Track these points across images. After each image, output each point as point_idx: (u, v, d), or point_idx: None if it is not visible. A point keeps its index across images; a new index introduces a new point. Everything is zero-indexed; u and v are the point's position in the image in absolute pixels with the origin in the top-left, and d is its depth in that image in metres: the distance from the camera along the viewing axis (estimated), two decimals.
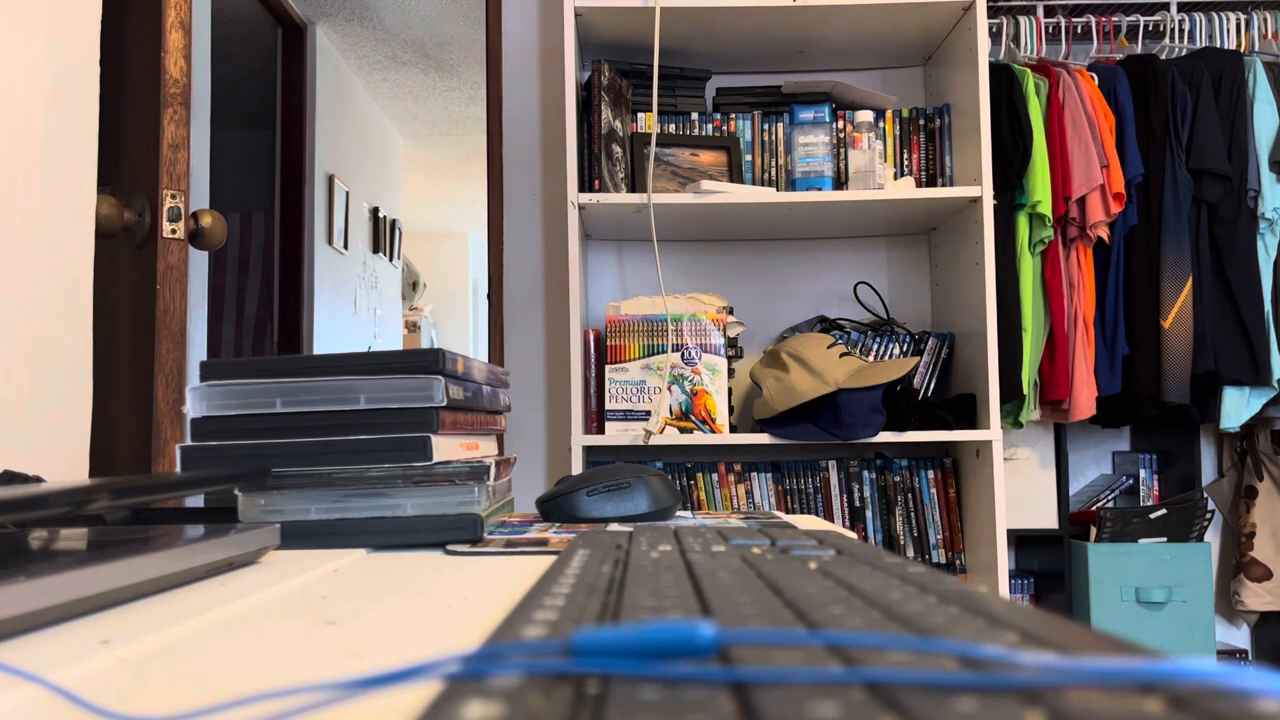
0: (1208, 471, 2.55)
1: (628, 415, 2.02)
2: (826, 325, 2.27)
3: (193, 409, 0.69)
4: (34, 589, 0.37)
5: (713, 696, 0.19)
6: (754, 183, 2.23)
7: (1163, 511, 2.32)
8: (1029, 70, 2.26)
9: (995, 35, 2.46)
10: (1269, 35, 2.47)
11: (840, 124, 2.23)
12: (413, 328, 6.36)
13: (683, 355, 2.03)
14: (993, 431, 1.98)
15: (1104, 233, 2.23)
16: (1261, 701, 0.18)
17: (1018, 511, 2.37)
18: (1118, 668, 0.20)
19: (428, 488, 0.68)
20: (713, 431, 2.01)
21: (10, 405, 1.02)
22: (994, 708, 0.17)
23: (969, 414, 2.07)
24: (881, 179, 2.12)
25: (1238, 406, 2.27)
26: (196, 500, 1.48)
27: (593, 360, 2.12)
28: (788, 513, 1.70)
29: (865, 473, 2.19)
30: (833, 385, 1.95)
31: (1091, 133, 2.21)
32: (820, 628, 0.26)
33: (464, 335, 7.01)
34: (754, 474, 2.19)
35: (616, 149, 2.16)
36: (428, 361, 0.68)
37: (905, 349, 2.21)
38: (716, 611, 0.29)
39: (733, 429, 2.15)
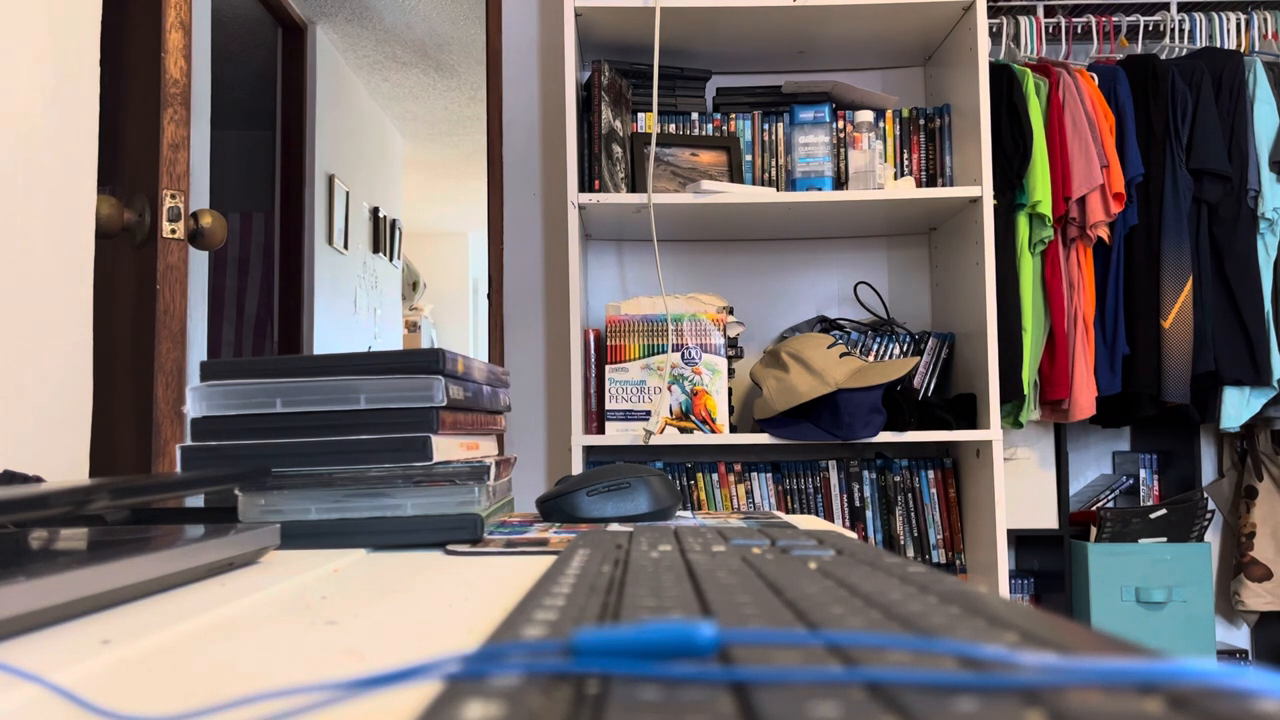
0: (1208, 471, 2.55)
1: (628, 415, 2.02)
2: (826, 325, 2.27)
3: (193, 409, 0.69)
4: (34, 589, 0.37)
5: (713, 696, 0.19)
6: (754, 183, 2.23)
7: (1163, 511, 2.32)
8: (1029, 70, 2.26)
9: (995, 35, 2.46)
10: (1269, 35, 2.47)
11: (840, 124, 2.23)
12: (413, 328, 6.36)
13: (683, 355, 2.03)
14: (993, 431, 1.98)
15: (1104, 233, 2.23)
16: (1261, 701, 0.18)
17: (1018, 511, 2.37)
18: (1118, 668, 0.20)
19: (428, 488, 0.68)
20: (713, 431, 2.01)
21: (10, 405, 1.02)
22: (994, 708, 0.17)
23: (969, 414, 2.07)
24: (881, 179, 2.12)
25: (1238, 406, 2.27)
26: (196, 500, 1.48)
27: (593, 360, 2.12)
28: (788, 513, 1.70)
29: (865, 473, 2.19)
30: (833, 385, 1.95)
31: (1091, 133, 2.21)
32: (820, 628, 0.26)
33: (464, 335, 7.01)
34: (754, 474, 2.19)
35: (616, 149, 2.16)
36: (428, 361, 0.68)
37: (905, 349, 2.21)
38: (716, 611, 0.29)
39: (733, 429, 2.15)
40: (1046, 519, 2.38)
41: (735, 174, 2.20)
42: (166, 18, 1.40)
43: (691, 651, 0.21)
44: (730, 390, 2.08)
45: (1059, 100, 2.23)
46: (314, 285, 3.78)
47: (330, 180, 3.99)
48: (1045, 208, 2.17)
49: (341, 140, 4.16)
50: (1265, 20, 2.46)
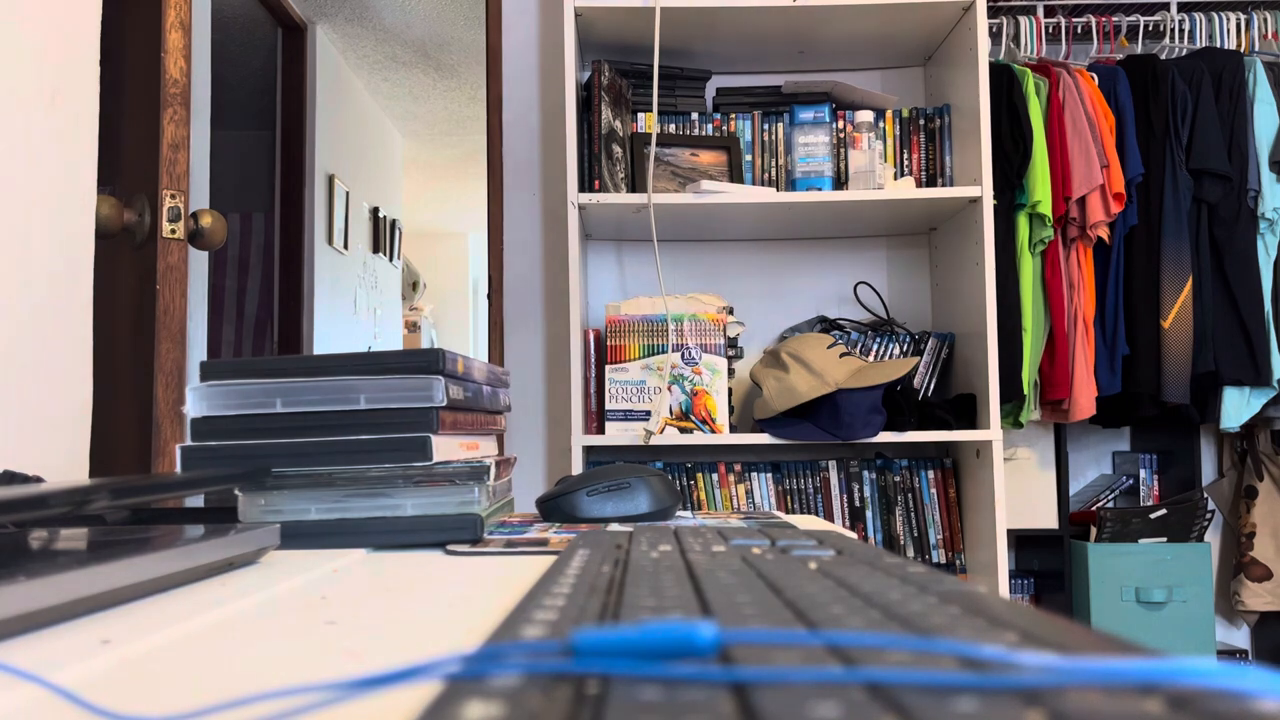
0: (1208, 471, 2.55)
1: (628, 415, 2.02)
2: (826, 325, 2.27)
3: (193, 409, 0.69)
4: (34, 589, 0.37)
5: (713, 697, 0.19)
6: (754, 183, 2.23)
7: (1163, 511, 2.32)
8: (1029, 70, 2.26)
9: (995, 35, 2.46)
10: (1269, 35, 2.47)
11: (840, 124, 2.23)
12: (413, 328, 6.36)
13: (683, 355, 2.03)
14: (993, 431, 1.98)
15: (1104, 233, 2.23)
16: (1261, 701, 0.18)
17: (1018, 511, 2.37)
18: (1118, 668, 0.20)
19: (428, 488, 0.68)
20: (713, 431, 2.01)
21: (10, 405, 1.02)
22: (994, 708, 0.17)
23: (969, 414, 2.07)
24: (881, 179, 2.12)
25: (1238, 406, 2.27)
26: (196, 500, 1.48)
27: (593, 360, 2.12)
28: (788, 513, 1.70)
29: (865, 473, 2.19)
30: (833, 385, 1.95)
31: (1091, 133, 2.20)
32: (820, 628, 0.26)
33: (464, 335, 7.01)
34: (754, 474, 2.19)
35: (616, 149, 2.16)
36: (428, 361, 0.68)
37: (905, 349, 2.21)
38: (716, 611, 0.29)
39: (733, 429, 2.15)
40: (1046, 519, 2.38)
41: (735, 174, 2.20)
42: (166, 18, 1.40)
43: (691, 652, 0.21)
44: (730, 390, 2.08)
45: (1059, 100, 2.23)
46: (314, 285, 3.78)
47: (330, 180, 3.99)
48: (1045, 208, 2.17)
49: (341, 140, 4.16)
50: (1265, 20, 2.46)
